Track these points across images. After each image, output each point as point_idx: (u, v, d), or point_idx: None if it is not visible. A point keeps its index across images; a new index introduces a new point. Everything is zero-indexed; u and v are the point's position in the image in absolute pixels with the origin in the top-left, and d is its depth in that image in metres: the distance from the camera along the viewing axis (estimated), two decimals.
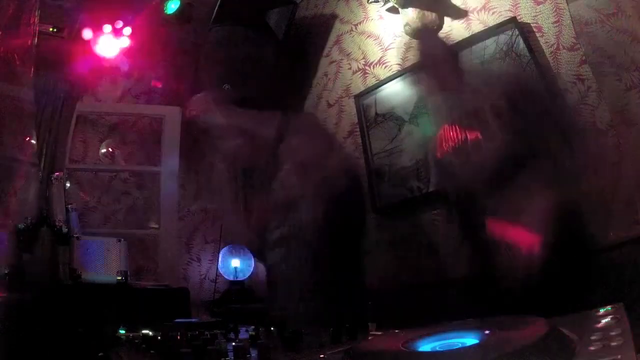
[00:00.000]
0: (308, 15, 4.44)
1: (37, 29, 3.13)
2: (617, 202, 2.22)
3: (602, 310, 0.69)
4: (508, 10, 2.99)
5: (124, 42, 4.16)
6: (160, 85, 4.72)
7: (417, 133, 3.28)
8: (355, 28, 4.00)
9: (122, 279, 3.08)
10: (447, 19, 3.29)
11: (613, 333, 0.58)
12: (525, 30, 2.87)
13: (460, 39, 3.16)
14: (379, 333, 1.17)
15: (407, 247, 3.20)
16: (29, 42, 3.01)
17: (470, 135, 2.16)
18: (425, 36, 3.08)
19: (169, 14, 4.31)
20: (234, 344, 1.04)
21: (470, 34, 3.15)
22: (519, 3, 2.94)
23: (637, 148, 2.33)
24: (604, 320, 0.65)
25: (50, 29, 3.73)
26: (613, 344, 0.54)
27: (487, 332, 0.77)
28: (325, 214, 2.35)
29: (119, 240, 3.25)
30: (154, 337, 1.32)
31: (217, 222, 4.62)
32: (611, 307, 0.70)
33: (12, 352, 2.24)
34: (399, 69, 3.56)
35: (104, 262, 3.12)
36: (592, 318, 0.67)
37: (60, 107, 3.93)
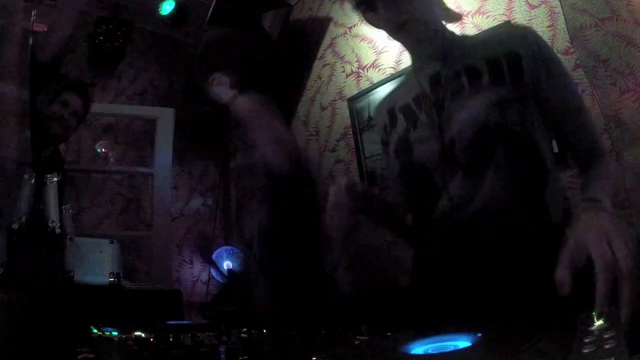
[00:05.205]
0: (302, 17, 4.44)
1: (32, 28, 3.13)
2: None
3: (595, 313, 0.69)
4: (502, 14, 2.99)
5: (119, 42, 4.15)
6: (154, 87, 4.72)
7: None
8: (350, 31, 4.00)
9: (114, 280, 3.06)
10: None
11: (607, 336, 0.58)
12: None
13: None
14: (371, 336, 1.17)
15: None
16: (24, 41, 3.00)
17: None
18: None
19: (164, 15, 4.32)
20: (226, 346, 1.04)
21: None
22: (513, 7, 2.95)
23: (631, 151, 2.34)
24: (597, 323, 0.65)
25: (45, 29, 3.72)
26: (606, 346, 0.54)
27: (480, 334, 0.77)
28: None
29: (112, 242, 3.23)
30: (147, 339, 1.31)
31: (210, 224, 4.63)
32: (605, 310, 0.70)
33: (4, 352, 2.23)
34: (393, 72, 3.56)
35: (97, 264, 3.11)
36: (585, 321, 0.67)
37: None
